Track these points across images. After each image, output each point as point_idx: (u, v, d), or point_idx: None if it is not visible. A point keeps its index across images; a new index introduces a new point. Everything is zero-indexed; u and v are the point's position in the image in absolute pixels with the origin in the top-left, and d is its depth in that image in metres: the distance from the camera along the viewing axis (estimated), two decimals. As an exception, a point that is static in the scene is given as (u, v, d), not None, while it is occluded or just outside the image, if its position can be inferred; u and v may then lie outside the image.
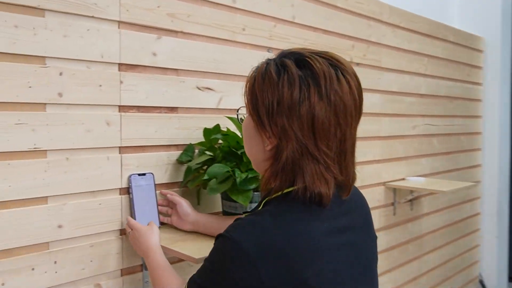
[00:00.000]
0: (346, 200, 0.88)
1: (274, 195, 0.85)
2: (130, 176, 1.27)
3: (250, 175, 1.24)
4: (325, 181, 0.80)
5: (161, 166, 1.38)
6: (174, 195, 1.32)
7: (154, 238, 1.17)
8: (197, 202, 1.47)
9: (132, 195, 1.26)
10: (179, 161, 1.42)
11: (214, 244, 0.84)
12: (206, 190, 1.32)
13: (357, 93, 0.83)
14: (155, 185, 1.32)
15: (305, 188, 0.80)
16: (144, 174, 1.31)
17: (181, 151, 1.43)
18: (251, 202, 1.27)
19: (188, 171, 1.40)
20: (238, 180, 1.22)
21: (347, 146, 0.83)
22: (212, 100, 1.52)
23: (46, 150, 1.14)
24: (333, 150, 0.81)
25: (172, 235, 1.28)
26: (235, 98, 1.58)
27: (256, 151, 0.89)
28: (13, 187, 1.08)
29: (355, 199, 0.94)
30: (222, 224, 1.25)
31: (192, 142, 1.44)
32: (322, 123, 0.79)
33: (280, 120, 0.81)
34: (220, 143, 1.38)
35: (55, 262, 1.16)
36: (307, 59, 0.82)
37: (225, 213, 1.38)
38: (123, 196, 1.29)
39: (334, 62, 0.83)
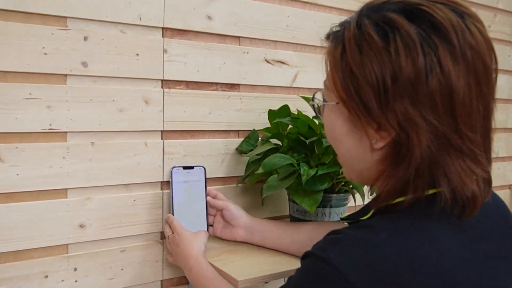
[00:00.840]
0: (487, 206, 0.63)
1: (393, 201, 0.61)
2: (171, 169, 1.01)
3: (320, 172, 0.92)
4: (476, 178, 0.59)
5: (215, 156, 1.11)
6: (216, 200, 1.02)
7: (198, 245, 0.92)
8: (261, 203, 1.18)
9: (172, 194, 1.00)
10: (240, 151, 1.15)
11: (301, 264, 0.62)
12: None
13: (491, 44, 0.60)
14: (206, 181, 1.04)
15: (453, 194, 0.58)
16: (191, 168, 1.03)
17: (242, 139, 1.15)
18: (320, 206, 0.96)
19: (249, 163, 1.12)
20: (304, 177, 0.91)
21: (491, 123, 0.62)
22: (285, 77, 1.22)
23: (65, 132, 0.93)
24: (478, 133, 0.59)
25: (218, 245, 1.00)
26: (315, 74, 1.27)
27: (356, 153, 0.65)
28: (23, 176, 0.89)
29: (495, 205, 0.68)
30: (286, 233, 0.96)
31: (257, 128, 1.16)
32: (463, 98, 0.57)
33: (399, 104, 0.56)
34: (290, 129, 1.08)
35: (75, 269, 0.95)
36: (422, 7, 0.58)
37: (292, 218, 1.08)
38: (165, 191, 1.05)
39: (455, 7, 0.59)
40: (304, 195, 0.93)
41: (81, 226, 0.95)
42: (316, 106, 0.75)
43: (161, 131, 1.04)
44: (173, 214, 0.98)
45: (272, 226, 0.99)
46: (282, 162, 0.94)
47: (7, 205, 0.88)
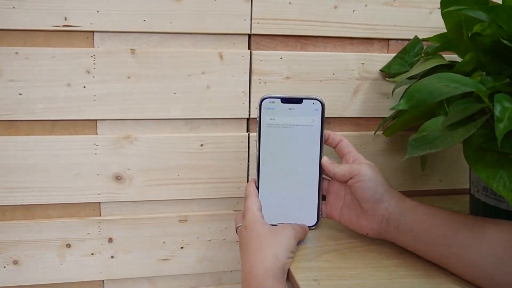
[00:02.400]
0: None
1: None
2: (260, 102, 0.56)
3: (545, 115, 0.41)
4: None
5: (343, 82, 0.66)
6: (337, 167, 0.55)
7: (273, 253, 0.48)
8: (420, 166, 0.70)
9: (259, 145, 0.56)
10: (387, 74, 0.67)
11: None
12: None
13: None
14: (324, 126, 0.55)
15: None
16: (297, 101, 0.55)
17: (393, 54, 0.67)
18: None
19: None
20: (501, 126, 0.41)
21: None
22: None
23: (91, 32, 0.59)
24: None
25: (322, 231, 0.57)
26: None
27: None
28: (28, 97, 0.59)
29: None
30: (461, 238, 0.48)
31: (421, 36, 0.66)
32: None
33: None
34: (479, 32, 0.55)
35: (110, 240, 0.65)
36: None
37: (475, 202, 0.58)
38: (253, 134, 0.66)
39: None
40: (497, 164, 0.43)
41: (118, 178, 0.63)
42: None
43: (248, 35, 0.63)
44: (258, 182, 0.57)
45: (435, 221, 0.49)
46: (452, 89, 0.44)
47: (7, 138, 0.60)
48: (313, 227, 0.57)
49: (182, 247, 0.67)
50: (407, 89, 0.50)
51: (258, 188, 0.56)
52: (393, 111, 0.65)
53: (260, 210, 0.53)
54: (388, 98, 0.68)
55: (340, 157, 0.57)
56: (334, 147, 0.57)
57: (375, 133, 0.67)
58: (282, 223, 0.55)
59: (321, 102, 0.55)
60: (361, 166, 0.53)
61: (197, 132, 0.64)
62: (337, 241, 0.56)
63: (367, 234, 0.54)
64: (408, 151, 0.47)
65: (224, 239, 0.68)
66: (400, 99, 0.56)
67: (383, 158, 0.69)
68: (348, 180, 0.54)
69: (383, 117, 0.68)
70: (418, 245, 0.51)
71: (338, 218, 0.57)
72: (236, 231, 0.53)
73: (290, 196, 0.56)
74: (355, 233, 0.56)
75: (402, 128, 0.63)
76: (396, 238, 0.52)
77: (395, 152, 0.70)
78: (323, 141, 0.56)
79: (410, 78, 0.59)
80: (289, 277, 0.49)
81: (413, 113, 0.59)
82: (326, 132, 0.56)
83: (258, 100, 0.55)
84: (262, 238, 0.48)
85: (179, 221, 0.66)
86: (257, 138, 0.56)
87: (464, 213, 0.50)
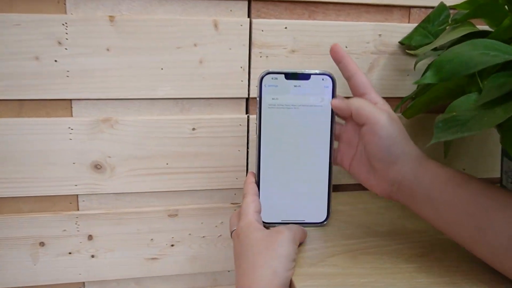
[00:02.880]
0: None
1: None
2: (261, 77, 0.47)
3: None
4: None
5: (357, 56, 0.58)
6: (350, 101, 0.46)
7: (272, 267, 0.39)
8: (444, 153, 0.62)
9: (260, 129, 0.48)
10: (407, 46, 0.59)
11: None
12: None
13: None
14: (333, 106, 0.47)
15: None
16: (304, 77, 0.47)
17: (414, 24, 0.58)
18: None
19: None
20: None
21: None
22: None
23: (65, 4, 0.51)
24: None
25: (330, 239, 0.49)
26: None
27: None
28: (-14, 73, 0.50)
29: None
30: (494, 211, 0.39)
31: (447, 2, 0.57)
32: None
33: None
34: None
35: (90, 238, 0.57)
36: None
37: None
38: (253, 116, 0.57)
39: None
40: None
41: (97, 167, 0.55)
42: None
43: (248, 0, 0.54)
44: (258, 174, 0.48)
45: (460, 195, 0.39)
46: (492, 57, 0.36)
47: (-32, 122, 0.51)
48: (324, 223, 0.49)
49: (172, 245, 0.59)
50: (434, 60, 0.42)
51: (258, 180, 0.48)
52: (414, 89, 0.57)
53: (258, 211, 0.45)
54: (408, 75, 0.59)
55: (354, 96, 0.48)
56: (347, 79, 0.48)
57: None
58: (286, 221, 0.47)
59: (332, 78, 0.47)
60: (382, 114, 0.44)
61: (188, 114, 0.56)
62: (348, 240, 0.48)
63: (377, 194, 0.46)
64: (435, 135, 0.38)
65: (220, 235, 0.60)
66: (425, 71, 0.47)
67: (401, 144, 0.61)
68: (363, 126, 0.45)
69: (402, 97, 0.59)
70: (438, 221, 0.42)
71: (348, 168, 0.48)
72: (231, 235, 0.45)
73: (296, 189, 0.48)
74: (368, 231, 0.49)
75: (425, 109, 0.54)
76: (411, 206, 0.44)
77: (416, 136, 0.61)
78: (334, 124, 0.48)
79: (435, 50, 0.50)
80: (289, 286, 0.41)
81: (438, 90, 0.51)
82: (334, 48, 0.48)
83: (258, 77, 0.47)
84: (257, 250, 0.40)
85: (169, 215, 0.58)
86: (257, 121, 0.48)
87: (497, 186, 0.41)
